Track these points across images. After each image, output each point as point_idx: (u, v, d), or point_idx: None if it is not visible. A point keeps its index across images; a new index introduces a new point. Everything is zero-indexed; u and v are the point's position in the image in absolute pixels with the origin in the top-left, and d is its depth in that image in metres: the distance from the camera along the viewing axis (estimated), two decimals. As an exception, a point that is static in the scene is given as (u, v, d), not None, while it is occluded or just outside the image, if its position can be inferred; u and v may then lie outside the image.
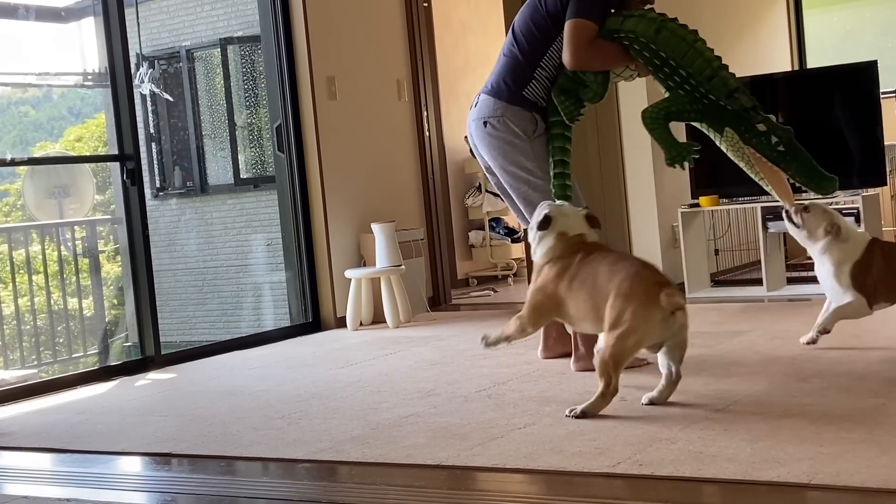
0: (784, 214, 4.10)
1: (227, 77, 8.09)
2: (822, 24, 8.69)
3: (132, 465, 3.37)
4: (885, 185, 5.96)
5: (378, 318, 6.04)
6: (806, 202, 4.13)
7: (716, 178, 6.21)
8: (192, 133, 8.23)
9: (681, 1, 6.78)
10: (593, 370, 3.32)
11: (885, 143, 5.86)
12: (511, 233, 8.08)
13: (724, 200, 6.12)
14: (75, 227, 7.31)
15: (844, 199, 5.81)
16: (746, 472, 2.56)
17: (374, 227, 6.03)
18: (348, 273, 6.03)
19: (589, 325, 3.35)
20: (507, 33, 6.46)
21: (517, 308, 6.15)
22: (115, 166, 5.47)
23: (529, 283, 3.75)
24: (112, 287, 7.53)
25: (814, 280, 6.09)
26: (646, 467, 2.68)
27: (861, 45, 8.55)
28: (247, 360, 5.22)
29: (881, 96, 5.84)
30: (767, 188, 3.98)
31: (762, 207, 5.91)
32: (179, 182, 8.30)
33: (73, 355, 6.96)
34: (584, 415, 3.21)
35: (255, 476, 3.12)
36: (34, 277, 6.92)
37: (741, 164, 3.93)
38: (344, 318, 6.02)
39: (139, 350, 5.38)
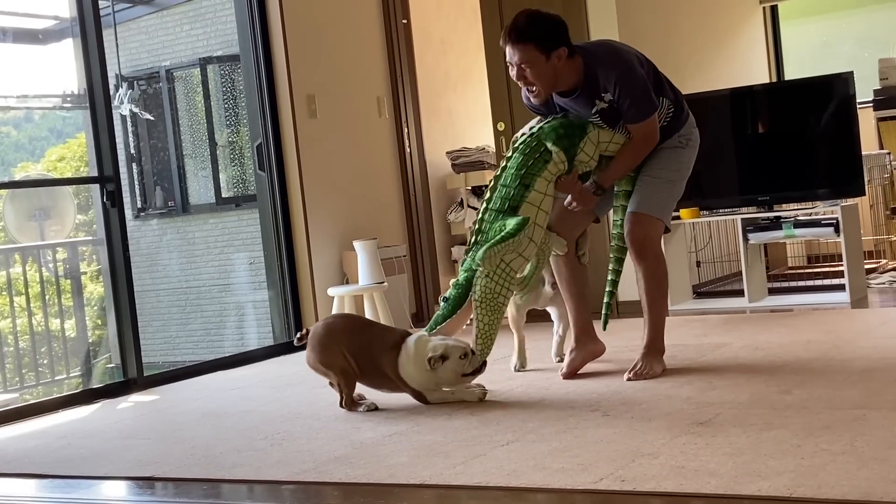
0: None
1: (206, 96, 8.08)
2: (800, 35, 8.75)
3: (115, 490, 3.36)
4: (864, 194, 5.99)
5: (361, 336, 6.02)
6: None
7: (696, 190, 6.23)
8: (172, 153, 8.22)
9: (659, 15, 6.84)
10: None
11: (863, 152, 5.90)
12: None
13: (705, 212, 6.14)
14: (57, 249, 7.29)
15: (823, 209, 5.85)
16: (728, 486, 2.56)
17: (357, 244, 6.03)
18: (331, 291, 6.03)
19: None
20: (485, 49, 6.51)
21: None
22: (96, 188, 5.45)
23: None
24: (95, 308, 7.50)
25: (795, 290, 6.16)
26: (628, 483, 2.68)
27: (838, 56, 8.61)
28: (230, 381, 5.21)
29: (858, 106, 5.87)
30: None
31: (742, 219, 5.94)
32: (161, 202, 8.28)
33: (56, 377, 6.92)
34: None
35: (239, 499, 3.11)
36: (16, 299, 6.89)
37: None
38: (327, 336, 6.00)
39: (122, 372, 5.36)
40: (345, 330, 4.03)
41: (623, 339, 4.72)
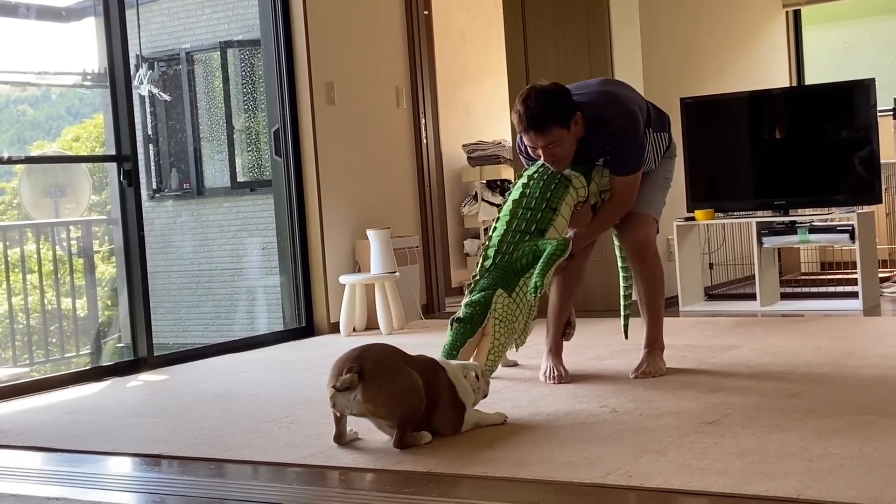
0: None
1: (226, 80, 8.09)
2: (822, 40, 8.72)
3: (122, 466, 3.37)
4: (881, 202, 5.97)
5: (371, 325, 6.04)
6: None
7: (711, 192, 6.23)
8: (189, 135, 8.23)
9: (682, 17, 6.83)
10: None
11: (882, 160, 5.87)
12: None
13: (720, 215, 6.13)
14: (71, 227, 7.31)
15: (839, 215, 5.83)
16: (735, 485, 2.56)
17: (370, 233, 6.03)
18: (343, 279, 6.04)
19: None
20: (505, 43, 6.51)
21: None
22: (113, 167, 5.47)
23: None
24: (106, 287, 7.52)
25: (807, 296, 6.15)
26: (635, 479, 2.68)
27: (860, 62, 8.57)
28: (239, 364, 5.22)
29: (878, 114, 5.85)
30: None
31: (757, 222, 5.93)
32: (176, 184, 8.30)
33: (66, 355, 6.95)
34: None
35: (244, 479, 3.11)
36: (28, 276, 6.92)
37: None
38: (337, 323, 6.02)
39: (132, 351, 5.37)
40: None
41: (620, 339, 4.72)
